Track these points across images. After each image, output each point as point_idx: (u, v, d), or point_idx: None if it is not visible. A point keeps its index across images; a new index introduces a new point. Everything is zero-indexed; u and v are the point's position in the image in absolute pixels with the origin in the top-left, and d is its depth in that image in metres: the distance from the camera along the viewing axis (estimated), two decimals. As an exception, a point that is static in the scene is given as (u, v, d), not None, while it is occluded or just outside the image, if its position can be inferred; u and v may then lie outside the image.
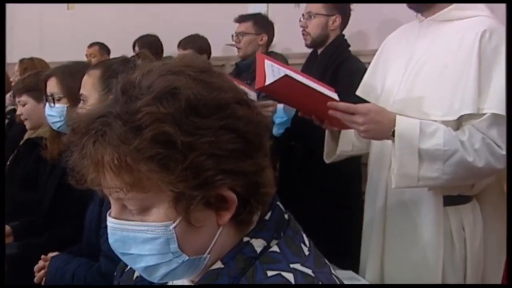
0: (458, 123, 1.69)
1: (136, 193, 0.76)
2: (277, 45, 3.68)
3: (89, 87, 1.57)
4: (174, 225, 0.77)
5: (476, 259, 1.83)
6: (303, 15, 2.70)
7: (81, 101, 1.61)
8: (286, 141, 2.39)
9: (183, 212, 0.77)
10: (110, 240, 0.82)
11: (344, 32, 2.72)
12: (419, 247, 1.79)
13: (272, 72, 1.84)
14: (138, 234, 0.79)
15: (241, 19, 3.30)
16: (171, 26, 4.61)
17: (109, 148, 0.74)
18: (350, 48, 2.69)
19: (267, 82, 1.75)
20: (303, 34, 2.69)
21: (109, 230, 0.82)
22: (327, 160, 2.04)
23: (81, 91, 1.60)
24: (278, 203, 0.89)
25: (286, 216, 0.90)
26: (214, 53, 3.86)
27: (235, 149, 0.77)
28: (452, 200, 1.80)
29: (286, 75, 1.68)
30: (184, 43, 3.70)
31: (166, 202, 0.77)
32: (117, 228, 0.81)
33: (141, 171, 0.74)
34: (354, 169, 2.44)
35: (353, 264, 2.02)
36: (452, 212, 1.80)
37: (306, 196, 2.51)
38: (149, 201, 0.77)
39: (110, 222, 0.82)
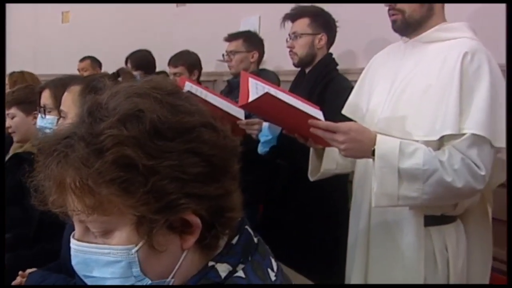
0: (440, 143, 1.70)
1: (97, 216, 0.75)
2: (268, 62, 3.68)
3: (69, 103, 1.56)
4: (136, 248, 0.77)
5: (459, 279, 1.82)
6: (289, 35, 2.70)
7: (62, 117, 1.60)
8: (271, 159, 2.38)
9: (146, 236, 0.76)
10: (73, 262, 0.82)
11: (332, 50, 2.72)
12: (401, 266, 1.79)
13: (256, 90, 1.85)
14: (100, 257, 0.78)
15: (231, 37, 3.28)
16: (164, 42, 4.63)
17: (71, 170, 0.74)
18: (339, 67, 2.70)
19: (250, 99, 1.76)
20: (290, 54, 2.68)
21: (72, 252, 0.82)
22: (311, 178, 2.03)
23: (61, 107, 1.59)
24: (247, 227, 0.89)
25: (255, 239, 0.89)
26: (206, 69, 3.86)
27: (199, 173, 0.76)
28: (435, 220, 1.80)
29: (267, 93, 1.69)
30: (174, 60, 3.67)
31: (128, 225, 0.76)
32: (80, 250, 0.80)
33: (102, 194, 0.73)
34: (341, 186, 2.43)
35: (338, 282, 2.01)
36: (435, 232, 1.80)
37: (292, 214, 2.50)
38: (111, 224, 0.77)
39: (73, 244, 0.81)
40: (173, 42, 4.52)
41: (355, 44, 3.14)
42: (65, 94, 1.58)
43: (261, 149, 2.19)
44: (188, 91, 0.85)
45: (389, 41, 2.05)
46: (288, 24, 2.72)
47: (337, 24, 2.71)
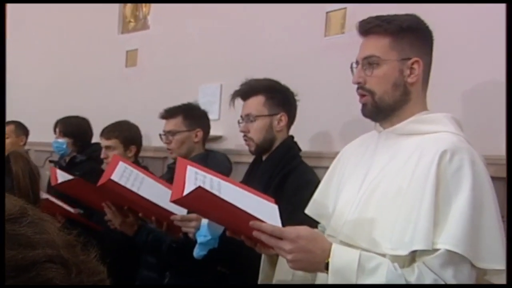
0: (411, 258, 1.70)
1: None
2: (229, 140, 3.73)
3: None
4: None
5: None
6: (241, 117, 2.68)
7: None
8: (211, 265, 2.34)
9: None
10: None
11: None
12: None
13: (194, 181, 1.85)
14: None
15: (168, 114, 3.25)
16: (108, 107, 4.64)
17: None
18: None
19: (185, 193, 1.75)
20: (245, 140, 2.67)
21: None
22: (261, 290, 2.02)
23: None
24: None
25: None
26: (155, 143, 3.87)
27: None
28: None
29: (199, 187, 1.69)
30: (107, 131, 3.62)
31: None
32: None
33: None
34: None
35: None
36: None
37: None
38: None
39: None
40: (118, 108, 4.53)
41: (330, 125, 3.18)
42: None
43: (197, 253, 2.12)
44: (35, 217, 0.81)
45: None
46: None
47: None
